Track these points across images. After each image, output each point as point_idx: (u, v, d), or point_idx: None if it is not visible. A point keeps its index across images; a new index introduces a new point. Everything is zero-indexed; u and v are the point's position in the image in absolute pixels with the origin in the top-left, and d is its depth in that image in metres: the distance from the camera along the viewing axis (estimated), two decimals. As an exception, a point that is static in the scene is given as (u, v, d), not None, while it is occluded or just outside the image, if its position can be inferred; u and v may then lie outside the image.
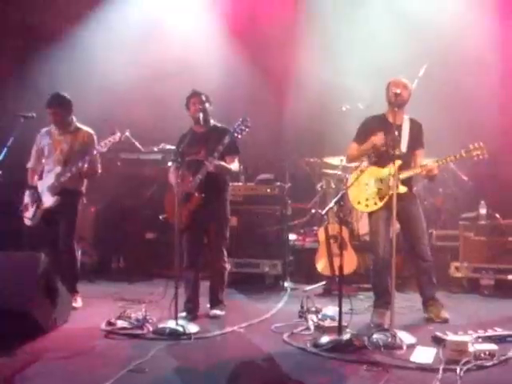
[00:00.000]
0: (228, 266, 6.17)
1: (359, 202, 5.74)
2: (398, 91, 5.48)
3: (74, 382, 4.06)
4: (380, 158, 5.58)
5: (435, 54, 7.64)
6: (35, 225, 6.29)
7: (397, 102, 5.52)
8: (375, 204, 5.64)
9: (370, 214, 5.75)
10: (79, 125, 6.42)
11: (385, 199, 5.54)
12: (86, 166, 6.14)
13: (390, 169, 5.39)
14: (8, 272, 5.16)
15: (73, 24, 8.91)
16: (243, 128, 5.66)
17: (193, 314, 5.89)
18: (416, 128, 5.76)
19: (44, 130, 6.49)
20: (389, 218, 5.32)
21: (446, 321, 5.65)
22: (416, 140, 5.73)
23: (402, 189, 5.56)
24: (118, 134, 6.25)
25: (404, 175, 5.55)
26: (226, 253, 6.05)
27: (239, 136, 5.69)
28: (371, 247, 5.79)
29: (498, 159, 7.59)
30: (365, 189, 5.69)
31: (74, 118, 6.41)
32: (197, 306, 6.01)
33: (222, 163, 5.78)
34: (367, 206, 5.70)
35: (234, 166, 5.94)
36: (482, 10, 7.93)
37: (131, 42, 8.70)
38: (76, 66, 8.55)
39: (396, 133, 5.34)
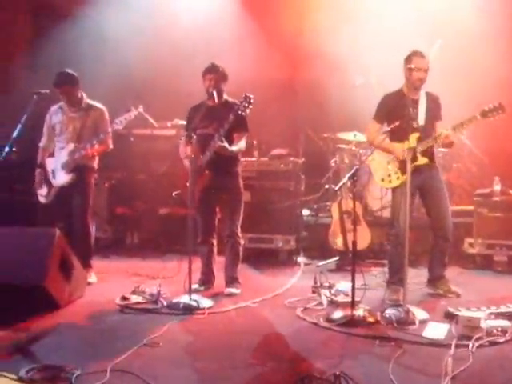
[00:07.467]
0: (242, 241, 6.11)
1: (383, 180, 5.77)
2: (422, 76, 5.53)
3: (89, 356, 4.10)
4: (399, 133, 5.48)
5: (450, 26, 7.55)
6: (50, 202, 6.32)
7: (419, 86, 5.58)
8: (398, 179, 5.63)
9: (394, 190, 5.73)
10: (90, 101, 6.39)
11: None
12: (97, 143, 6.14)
13: (408, 142, 5.37)
14: (23, 247, 5.20)
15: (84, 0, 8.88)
16: (246, 105, 5.55)
17: (207, 287, 5.95)
18: (433, 101, 5.72)
19: (54, 107, 6.44)
20: (411, 193, 5.22)
21: (458, 295, 5.67)
22: (434, 113, 5.70)
23: (422, 160, 5.56)
24: (134, 112, 6.20)
25: (420, 147, 5.52)
26: (240, 228, 6.00)
27: (243, 113, 5.58)
28: (392, 221, 5.73)
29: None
30: (386, 165, 5.71)
31: (85, 95, 6.38)
32: (212, 280, 6.06)
33: (225, 145, 5.67)
34: (390, 181, 5.71)
35: (240, 145, 5.84)
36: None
37: (142, 16, 8.65)
38: (88, 43, 8.51)
39: (411, 109, 5.34)
